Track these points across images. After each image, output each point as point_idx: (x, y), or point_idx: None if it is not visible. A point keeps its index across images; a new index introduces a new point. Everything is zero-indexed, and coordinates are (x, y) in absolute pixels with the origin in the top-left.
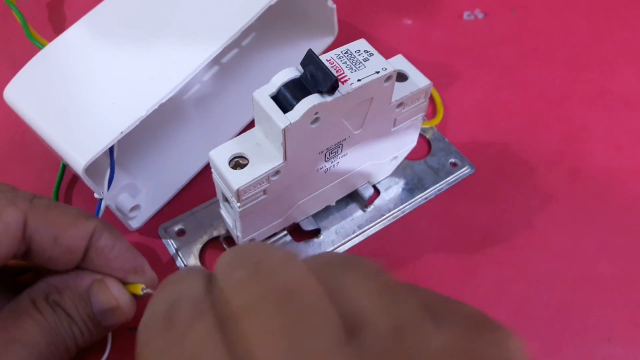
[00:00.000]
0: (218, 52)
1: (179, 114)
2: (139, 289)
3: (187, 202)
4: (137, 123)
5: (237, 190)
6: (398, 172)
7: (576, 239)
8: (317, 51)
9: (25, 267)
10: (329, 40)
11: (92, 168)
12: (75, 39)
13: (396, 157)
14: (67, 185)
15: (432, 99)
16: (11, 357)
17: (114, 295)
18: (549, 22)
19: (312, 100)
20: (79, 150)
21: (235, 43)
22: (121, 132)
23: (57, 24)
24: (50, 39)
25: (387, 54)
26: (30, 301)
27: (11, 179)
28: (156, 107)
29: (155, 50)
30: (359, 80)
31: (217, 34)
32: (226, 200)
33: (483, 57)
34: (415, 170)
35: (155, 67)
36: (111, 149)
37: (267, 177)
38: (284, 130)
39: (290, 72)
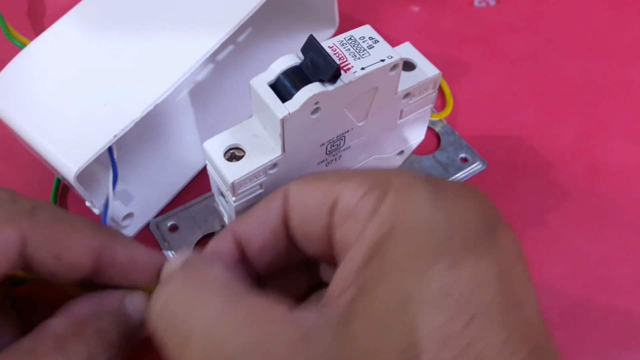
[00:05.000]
0: (216, 47)
1: (172, 115)
2: None
3: (181, 196)
4: (132, 125)
5: (233, 183)
6: (404, 167)
7: (594, 240)
8: None
9: (24, 278)
10: (329, 32)
11: (84, 175)
12: (61, 36)
13: (403, 151)
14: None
15: (441, 91)
16: None
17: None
18: (566, 9)
19: (312, 89)
20: (69, 156)
21: (231, 39)
22: (115, 136)
23: (39, 21)
24: (32, 38)
25: (392, 43)
26: (54, 341)
27: None
28: (151, 107)
29: (148, 48)
30: (362, 68)
31: (214, 29)
32: (221, 194)
33: (495, 47)
34: (423, 165)
35: (148, 65)
36: (111, 151)
37: (265, 169)
38: (283, 121)
39: (290, 59)
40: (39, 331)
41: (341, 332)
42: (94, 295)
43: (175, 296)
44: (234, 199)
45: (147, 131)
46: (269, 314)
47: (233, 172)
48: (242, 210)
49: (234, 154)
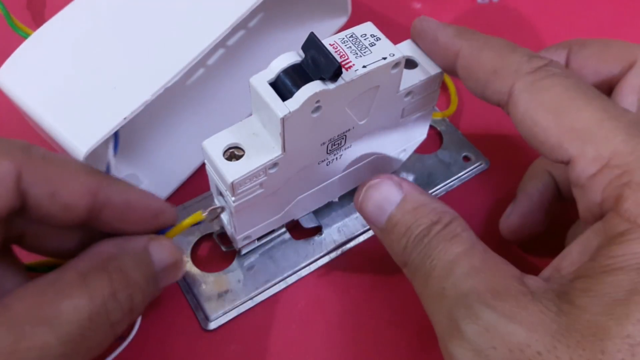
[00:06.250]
0: (227, 32)
1: (182, 100)
2: (200, 215)
3: (179, 196)
4: (142, 108)
5: (232, 183)
6: (406, 166)
7: None
8: (329, 33)
9: (45, 264)
10: (341, 21)
11: (93, 157)
12: (72, 20)
13: (404, 150)
14: None
15: (446, 89)
16: (31, 340)
17: (175, 250)
18: (570, 6)
19: (313, 88)
20: (78, 137)
21: (242, 24)
22: (124, 118)
23: (39, 13)
24: (35, 29)
25: (394, 41)
26: (77, 274)
27: None
28: (162, 90)
29: (159, 31)
30: (364, 66)
31: (225, 13)
32: (220, 194)
33: None
34: (425, 164)
35: (160, 48)
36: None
37: (264, 169)
38: (283, 120)
39: (291, 56)
40: (61, 268)
41: (563, 303)
42: (117, 238)
43: (424, 243)
44: (233, 198)
45: (156, 115)
46: (501, 269)
47: (232, 171)
48: (242, 211)
49: (233, 153)
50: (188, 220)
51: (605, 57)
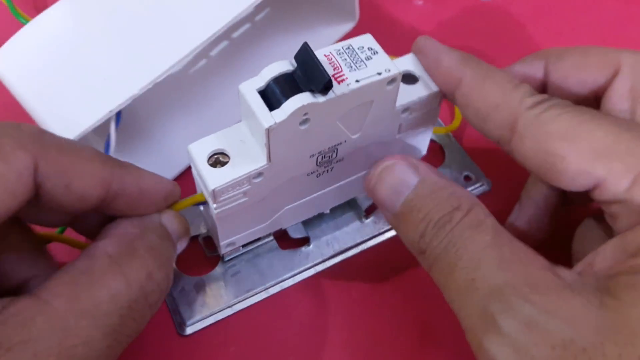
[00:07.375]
0: (225, 28)
1: (182, 92)
2: (202, 197)
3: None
4: (129, 102)
5: (214, 190)
6: None
7: None
8: (335, 37)
9: (55, 239)
10: (349, 26)
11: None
12: (71, 7)
13: None
14: None
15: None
16: (76, 337)
17: (183, 219)
18: (573, 3)
19: (302, 100)
20: (63, 126)
21: (247, 17)
22: (110, 111)
23: (43, 0)
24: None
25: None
26: (109, 261)
27: None
28: (150, 86)
29: (155, 23)
30: (357, 80)
31: (225, 8)
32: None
33: (503, 43)
34: None
35: (154, 41)
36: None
37: (249, 178)
38: (268, 130)
39: (283, 65)
40: (89, 254)
41: (606, 297)
42: (131, 218)
43: (447, 230)
44: (214, 206)
45: (156, 107)
46: (532, 259)
47: (215, 178)
48: (225, 218)
49: (218, 160)
50: (197, 197)
51: (587, 66)
